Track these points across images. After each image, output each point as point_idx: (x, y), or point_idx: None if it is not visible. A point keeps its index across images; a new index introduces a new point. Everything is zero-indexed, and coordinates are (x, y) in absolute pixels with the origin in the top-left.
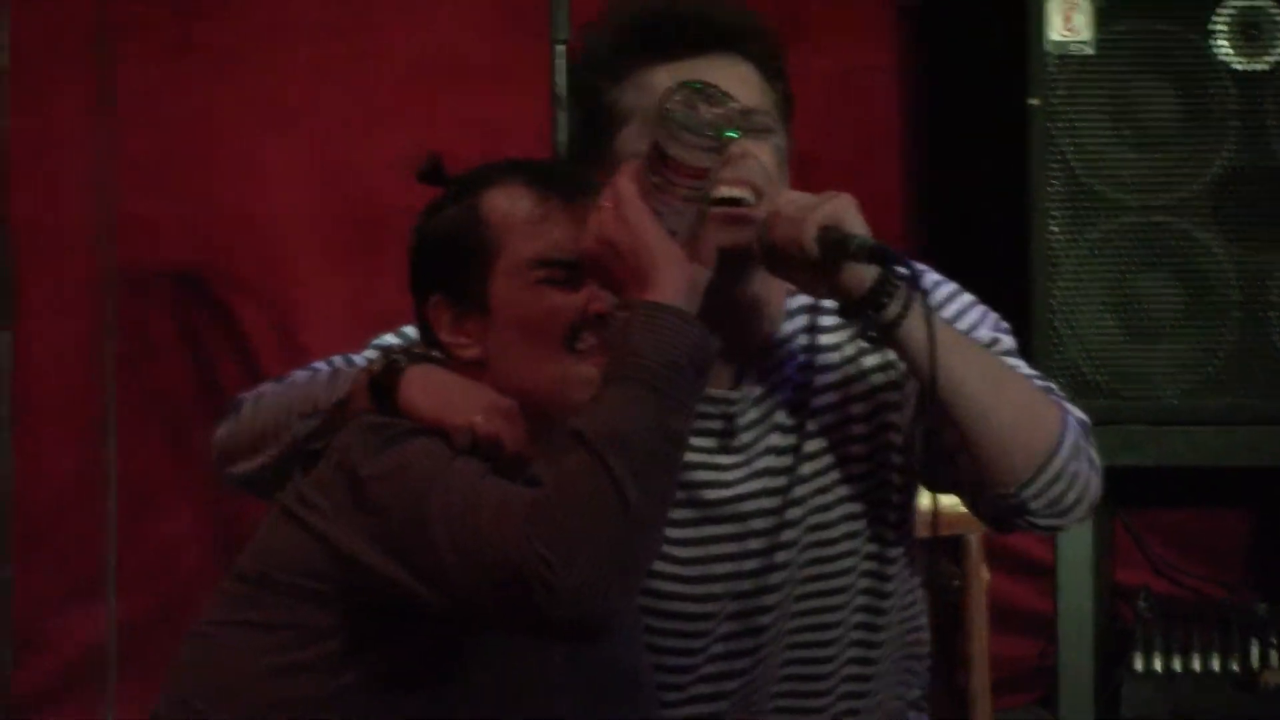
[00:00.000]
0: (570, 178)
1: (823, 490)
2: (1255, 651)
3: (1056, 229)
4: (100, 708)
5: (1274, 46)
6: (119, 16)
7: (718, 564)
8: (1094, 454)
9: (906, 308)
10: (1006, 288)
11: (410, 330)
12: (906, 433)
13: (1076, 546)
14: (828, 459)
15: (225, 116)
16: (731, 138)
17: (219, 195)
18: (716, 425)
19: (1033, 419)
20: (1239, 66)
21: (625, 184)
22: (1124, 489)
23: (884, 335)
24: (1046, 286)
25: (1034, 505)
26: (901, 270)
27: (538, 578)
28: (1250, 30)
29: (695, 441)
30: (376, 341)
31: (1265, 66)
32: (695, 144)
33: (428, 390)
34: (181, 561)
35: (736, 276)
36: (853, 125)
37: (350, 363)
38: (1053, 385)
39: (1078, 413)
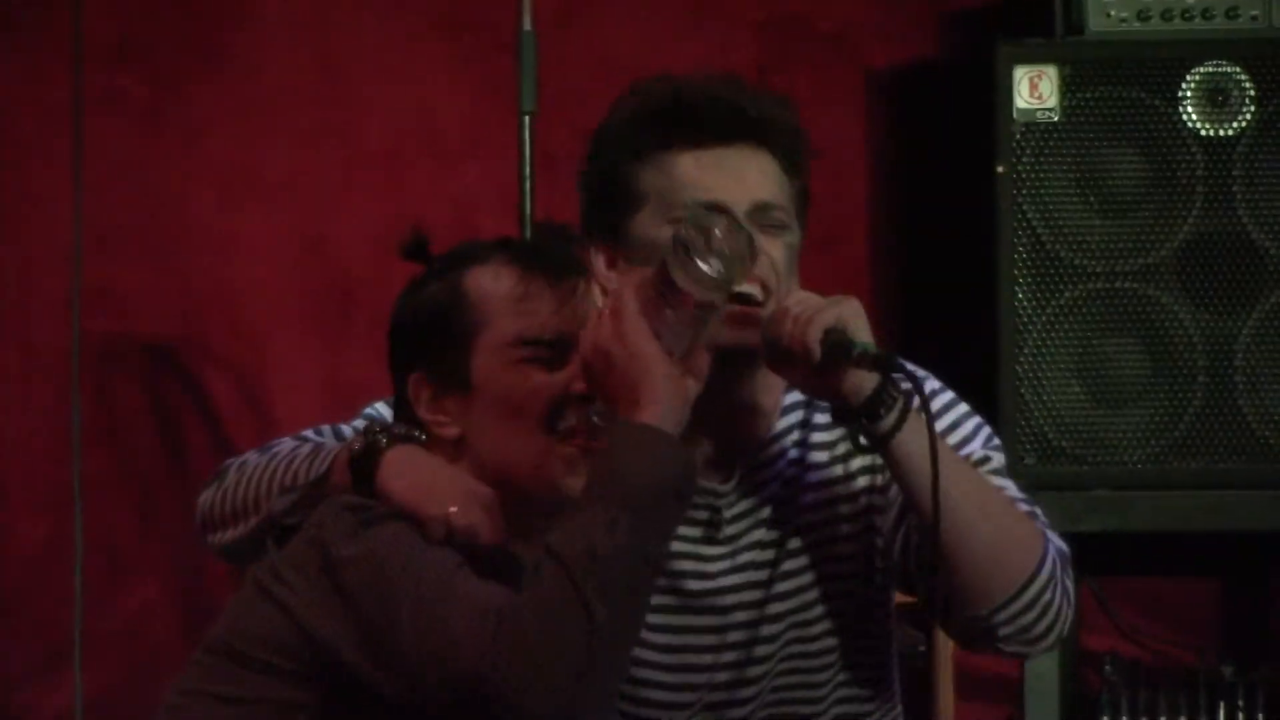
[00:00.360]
0: (555, 256)
1: (805, 588)
2: (1223, 716)
3: (1023, 295)
4: None
5: (1241, 113)
6: (93, 88)
7: (696, 654)
8: (1069, 584)
9: (902, 419)
10: (973, 354)
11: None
12: (888, 537)
13: None
14: (812, 556)
15: (198, 187)
16: (739, 292)
17: (191, 266)
18: (703, 516)
19: (1013, 544)
20: (1206, 132)
21: (628, 297)
22: (1090, 554)
23: (877, 445)
24: (1013, 352)
25: (1004, 631)
26: (904, 383)
27: (502, 697)
28: (1217, 96)
29: (681, 531)
30: (368, 410)
31: (1232, 132)
32: (704, 280)
33: (406, 475)
34: (150, 632)
35: (736, 374)
36: (821, 193)
37: (338, 433)
38: (1038, 510)
39: (1058, 541)
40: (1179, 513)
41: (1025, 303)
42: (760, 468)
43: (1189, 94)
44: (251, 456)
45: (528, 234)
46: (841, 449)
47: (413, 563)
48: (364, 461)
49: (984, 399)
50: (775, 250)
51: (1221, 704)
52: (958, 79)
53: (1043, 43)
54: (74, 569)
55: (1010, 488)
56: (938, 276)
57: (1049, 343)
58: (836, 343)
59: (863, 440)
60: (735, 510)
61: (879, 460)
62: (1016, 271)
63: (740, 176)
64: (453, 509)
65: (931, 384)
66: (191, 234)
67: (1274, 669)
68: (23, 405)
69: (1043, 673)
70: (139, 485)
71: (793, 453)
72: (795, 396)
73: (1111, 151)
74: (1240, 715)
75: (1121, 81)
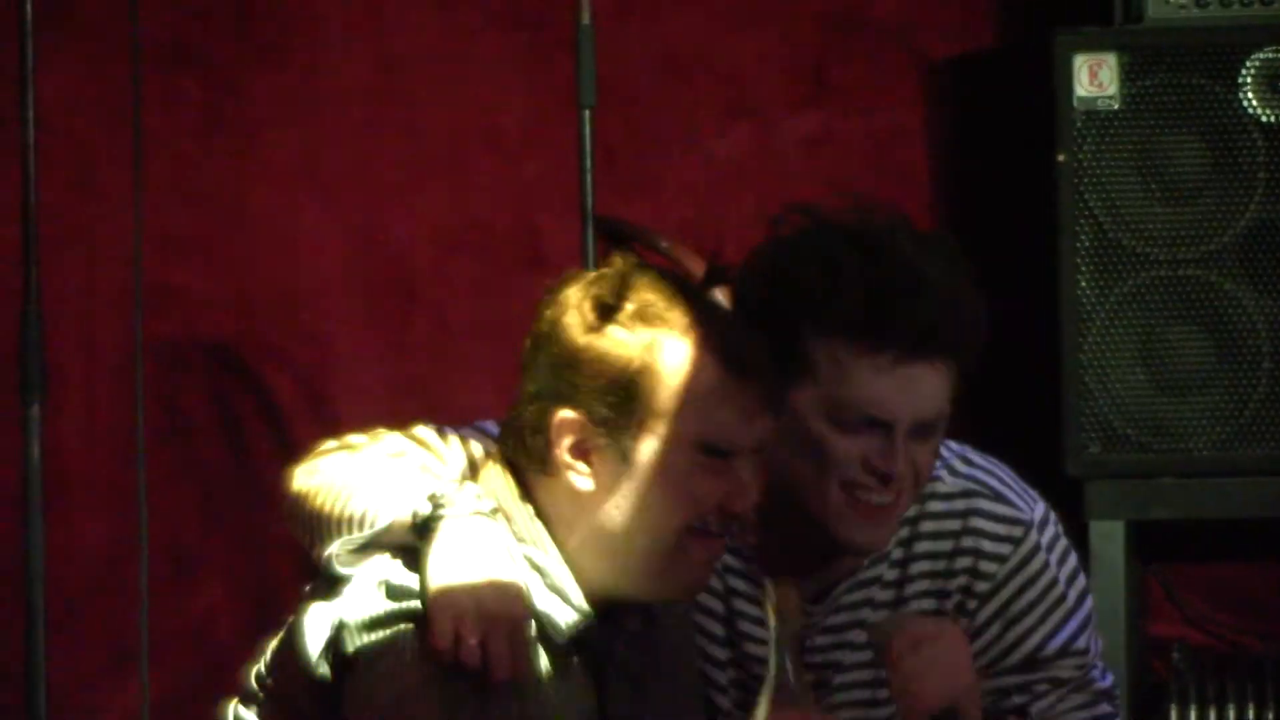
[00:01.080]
0: (754, 350)
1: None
2: None
3: (1085, 284)
4: None
5: None
6: (152, 89)
7: None
8: None
9: None
10: (1037, 343)
11: (474, 446)
12: None
13: (1109, 601)
14: (860, 674)
15: (258, 187)
16: None
17: (252, 265)
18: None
19: None
20: (1266, 118)
21: None
22: (1156, 542)
23: None
24: (1076, 341)
25: None
26: None
27: None
28: (1277, 81)
29: (760, 633)
30: (482, 424)
31: None
32: None
33: (453, 563)
34: (215, 633)
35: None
36: (881, 185)
37: (441, 433)
38: (1112, 680)
39: None
40: (1245, 499)
41: (1088, 291)
42: (859, 589)
43: (1249, 79)
44: (341, 461)
45: (590, 229)
46: (939, 583)
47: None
48: (426, 527)
49: (1048, 388)
50: (921, 454)
51: None
52: (1017, 68)
53: (1102, 30)
54: (139, 571)
55: (1096, 671)
56: (1000, 266)
57: (1112, 331)
58: None
59: None
60: (824, 632)
61: (970, 597)
62: (1079, 260)
63: (913, 395)
64: (471, 639)
65: (1065, 568)
66: (252, 233)
67: None
68: (86, 408)
69: (1110, 661)
70: (203, 486)
71: (893, 574)
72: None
73: (1172, 138)
74: None
75: (1181, 68)
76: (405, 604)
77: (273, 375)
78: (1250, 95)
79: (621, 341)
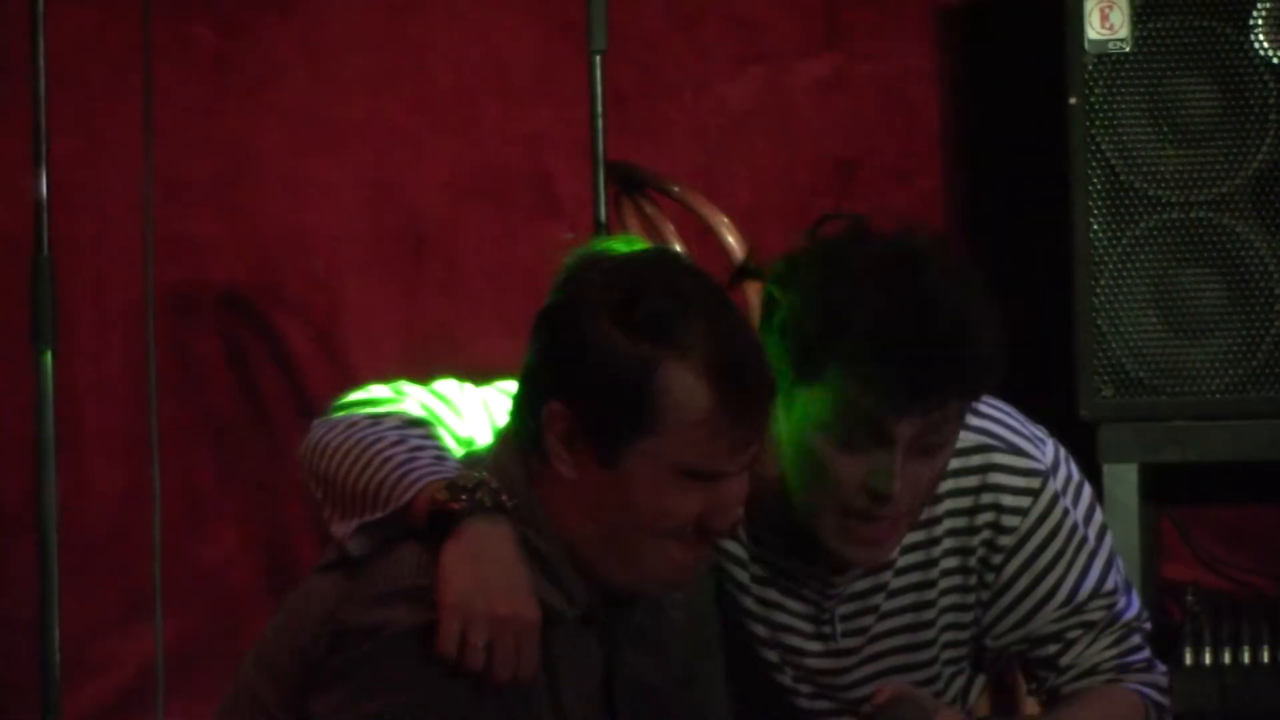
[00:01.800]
0: (758, 373)
1: (898, 671)
2: None
3: (1098, 227)
4: None
5: None
6: (161, 36)
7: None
8: None
9: None
10: (1049, 286)
11: (492, 399)
12: (981, 638)
13: (1123, 544)
14: (930, 648)
15: (269, 134)
16: None
17: (263, 212)
18: (814, 600)
19: None
20: (1278, 60)
21: None
22: (1169, 485)
23: None
24: (1089, 284)
25: None
26: None
27: None
28: None
29: (792, 606)
30: (501, 385)
31: None
32: None
33: (471, 561)
34: (230, 581)
35: None
36: (894, 128)
37: (462, 390)
38: (1139, 604)
39: (1159, 680)
40: (1258, 441)
41: (1100, 234)
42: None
43: (1260, 21)
44: (361, 420)
45: (601, 175)
46: (962, 540)
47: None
48: (442, 520)
49: (1060, 331)
50: (924, 472)
51: None
52: (1028, 11)
53: None
54: (153, 519)
55: (1119, 605)
56: (1011, 210)
57: (1124, 274)
58: None
59: None
60: (846, 602)
61: (994, 551)
62: (1091, 203)
63: (921, 422)
64: (477, 643)
65: (1071, 470)
66: (263, 181)
67: None
68: (98, 356)
69: None
70: (216, 434)
71: (919, 535)
72: None
73: (1183, 81)
74: None
75: (1192, 10)
76: (414, 591)
77: (285, 322)
78: (1261, 37)
79: (624, 354)
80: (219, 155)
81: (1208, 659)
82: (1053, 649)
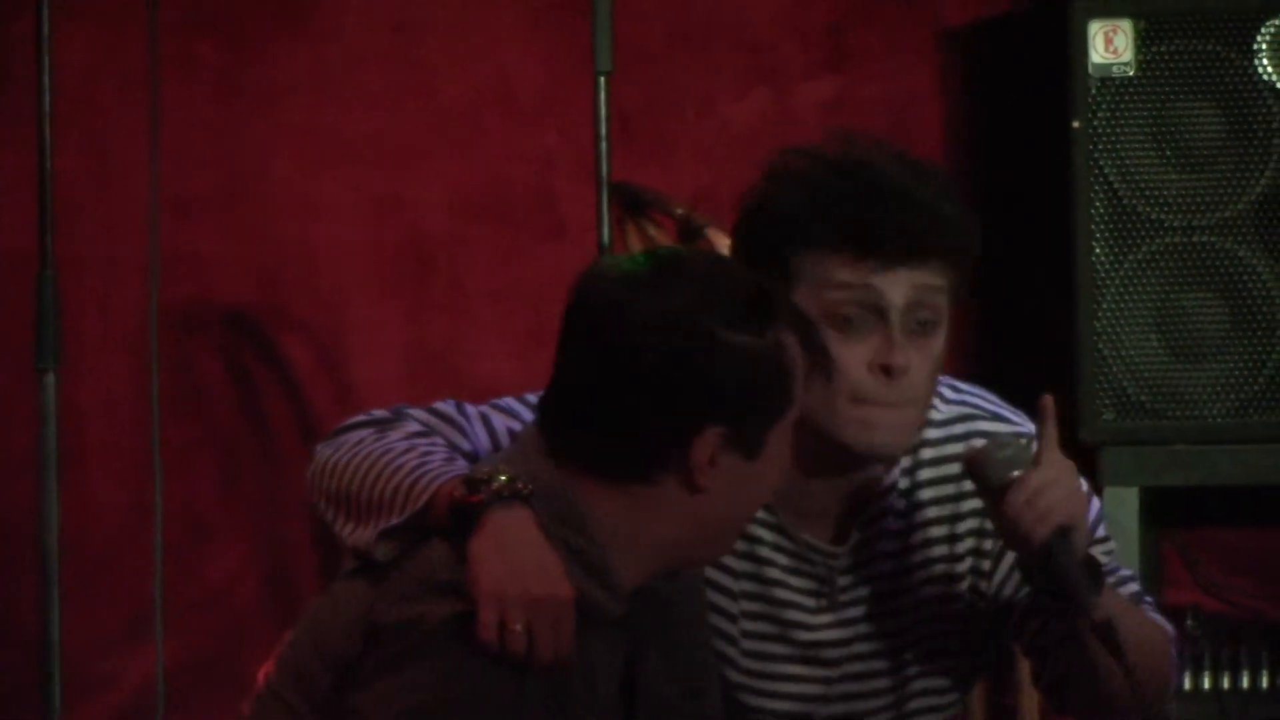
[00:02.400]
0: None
1: (910, 645)
2: None
3: (1100, 250)
4: None
5: None
6: (168, 53)
7: (805, 703)
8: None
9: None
10: (1051, 309)
11: (533, 397)
12: (996, 605)
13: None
14: (918, 615)
15: (275, 152)
16: None
17: (269, 230)
18: (819, 573)
19: (1165, 672)
20: None
21: None
22: (1170, 509)
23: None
24: (1091, 308)
25: None
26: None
27: None
28: None
29: (794, 583)
30: (498, 402)
31: None
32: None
33: (500, 550)
34: (232, 600)
35: (867, 464)
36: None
37: (461, 409)
38: (1146, 595)
39: (1167, 625)
40: (1260, 466)
41: (1103, 258)
42: (872, 523)
43: (1265, 46)
44: (367, 435)
45: (605, 195)
46: (949, 508)
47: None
48: (464, 514)
49: (1062, 354)
50: (920, 356)
51: None
52: (1032, 34)
53: None
54: (155, 536)
55: (1125, 571)
56: (1014, 233)
57: (1127, 297)
58: (1056, 553)
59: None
60: (848, 571)
61: (987, 524)
62: (1093, 226)
63: (904, 286)
64: (517, 625)
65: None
66: (269, 198)
67: None
68: (102, 373)
69: None
70: (220, 452)
71: (901, 505)
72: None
73: (1187, 105)
74: None
75: (1196, 34)
76: (447, 584)
77: (290, 341)
78: (1265, 62)
79: (748, 346)
80: (224, 173)
81: (1207, 683)
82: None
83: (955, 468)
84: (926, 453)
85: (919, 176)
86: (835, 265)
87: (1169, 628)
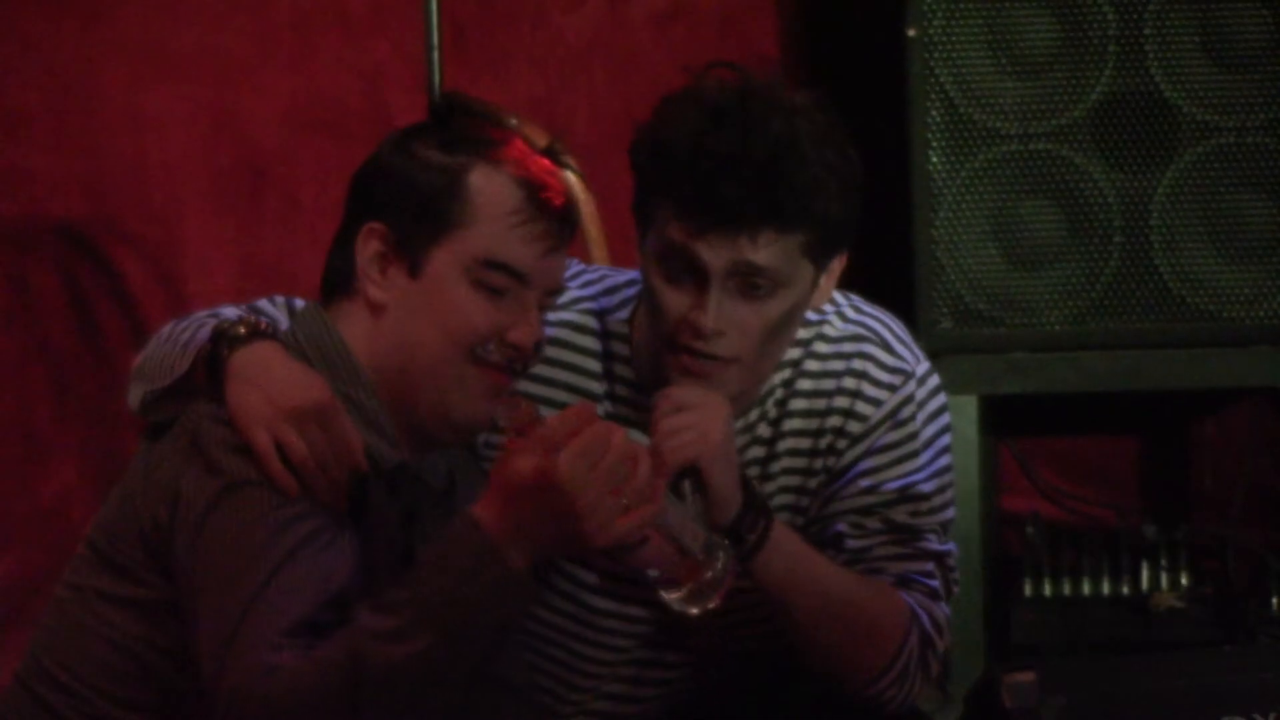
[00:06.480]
0: (563, 189)
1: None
2: (1145, 575)
3: (937, 159)
4: None
5: None
6: None
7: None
8: (933, 659)
9: (761, 543)
10: (888, 219)
11: (298, 302)
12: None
13: (963, 476)
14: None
15: (106, 66)
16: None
17: (100, 145)
18: None
19: (868, 645)
20: None
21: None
22: (1009, 417)
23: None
24: (928, 216)
25: (859, 698)
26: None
27: None
28: None
29: None
30: (278, 300)
31: None
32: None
33: (249, 382)
34: (68, 515)
35: None
36: (730, 59)
37: (272, 300)
38: (952, 550)
39: (938, 612)
40: (1097, 373)
41: (939, 166)
42: (741, 422)
43: None
44: (166, 329)
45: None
46: (815, 422)
47: (266, 559)
48: (214, 366)
49: (900, 263)
50: (749, 315)
51: (1144, 563)
52: None
53: None
54: None
55: (947, 514)
56: (851, 142)
57: (964, 206)
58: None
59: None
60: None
61: (842, 444)
62: (930, 135)
63: (730, 248)
64: (290, 436)
65: (927, 387)
66: (99, 113)
67: (1194, 527)
68: None
69: (964, 536)
70: (53, 367)
71: (773, 411)
72: (801, 333)
73: (1023, 13)
74: (1163, 573)
75: None
76: (238, 476)
77: (122, 255)
78: None
79: (432, 158)
80: (54, 87)
81: (1048, 590)
82: (844, 528)
83: (831, 383)
84: (810, 364)
85: (768, 139)
86: (670, 222)
87: (927, 615)
